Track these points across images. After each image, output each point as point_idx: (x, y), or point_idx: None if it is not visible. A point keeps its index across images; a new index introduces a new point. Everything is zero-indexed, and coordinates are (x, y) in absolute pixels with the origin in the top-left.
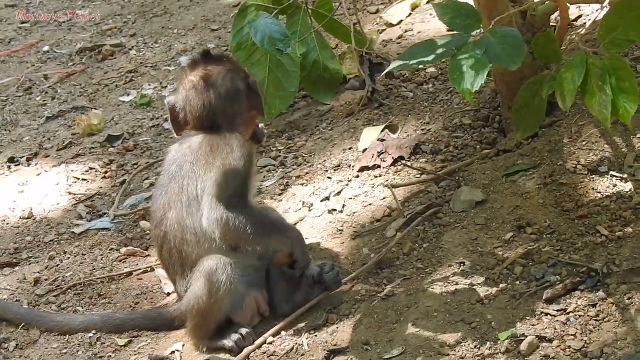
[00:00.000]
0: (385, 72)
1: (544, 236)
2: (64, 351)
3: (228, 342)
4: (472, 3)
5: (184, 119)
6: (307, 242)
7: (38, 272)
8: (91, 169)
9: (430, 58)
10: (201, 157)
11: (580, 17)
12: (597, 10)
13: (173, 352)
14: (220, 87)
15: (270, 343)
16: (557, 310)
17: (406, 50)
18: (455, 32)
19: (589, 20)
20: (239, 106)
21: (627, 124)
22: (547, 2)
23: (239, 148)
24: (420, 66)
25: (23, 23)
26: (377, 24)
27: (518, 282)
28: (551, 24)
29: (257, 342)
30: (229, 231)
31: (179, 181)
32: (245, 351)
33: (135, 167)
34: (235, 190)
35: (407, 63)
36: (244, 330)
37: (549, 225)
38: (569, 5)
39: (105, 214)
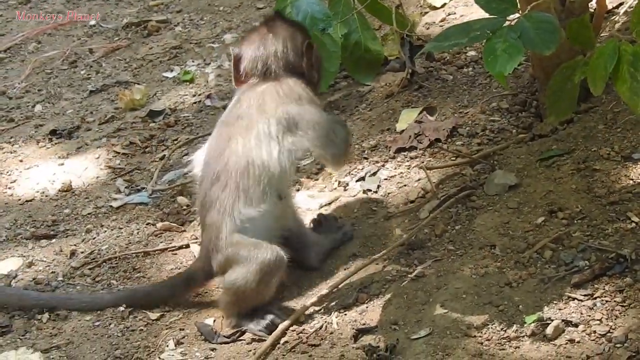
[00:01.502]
0: (419, 53)
1: (575, 221)
2: (97, 324)
3: (256, 327)
4: None
5: (246, 69)
6: (341, 221)
7: (74, 245)
8: (131, 143)
9: (464, 40)
10: (273, 97)
11: (622, 3)
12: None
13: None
14: (285, 41)
15: (301, 322)
16: (584, 295)
17: (441, 32)
18: (491, 16)
19: (624, 8)
20: (300, 61)
21: None
22: None
23: (306, 90)
24: (455, 48)
25: None
26: (420, 6)
27: (547, 267)
28: (591, 11)
29: (287, 323)
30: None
31: (248, 118)
32: (277, 331)
33: (175, 142)
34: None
35: (442, 44)
36: (271, 317)
37: (580, 210)
38: None
39: (144, 188)
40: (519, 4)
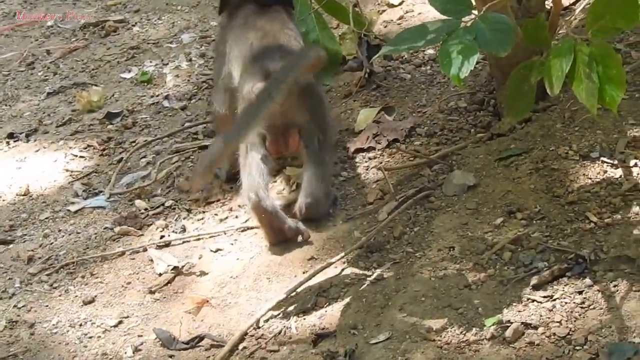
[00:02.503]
0: (375, 57)
1: (534, 222)
2: (54, 331)
3: None
4: None
5: None
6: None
7: (32, 250)
8: (89, 146)
9: (421, 43)
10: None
11: (578, 0)
12: None
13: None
14: None
15: (260, 327)
16: (544, 297)
17: (397, 35)
18: (447, 18)
19: (580, 5)
20: None
21: (613, 113)
22: None
23: None
24: (411, 50)
25: None
26: (377, 4)
27: (506, 268)
28: (547, 7)
29: (247, 326)
30: None
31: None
32: (235, 337)
33: (133, 144)
34: None
35: (397, 48)
36: None
37: (539, 210)
38: None
39: (101, 192)
40: (475, 4)
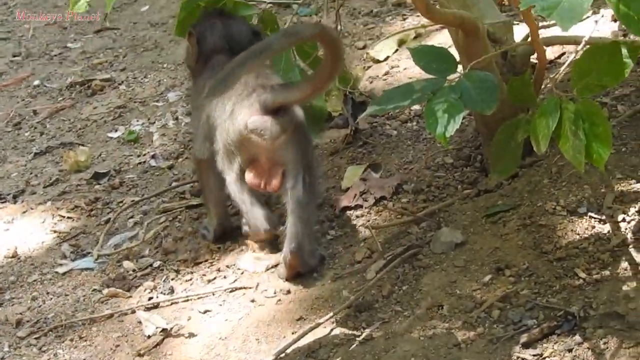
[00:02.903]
0: (361, 116)
1: (522, 278)
2: None
3: None
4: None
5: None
6: (287, 284)
7: (20, 314)
8: (76, 206)
9: (406, 102)
10: None
11: (563, 54)
12: (574, 51)
13: None
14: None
15: None
16: (533, 355)
17: (382, 94)
18: (432, 77)
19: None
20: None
21: (600, 169)
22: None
23: None
24: (397, 110)
25: (14, 56)
26: (363, 59)
27: (495, 326)
28: (533, 61)
29: None
30: None
31: None
32: None
33: (121, 205)
34: None
35: (384, 107)
36: None
37: (527, 267)
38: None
39: (89, 253)
40: (460, 61)
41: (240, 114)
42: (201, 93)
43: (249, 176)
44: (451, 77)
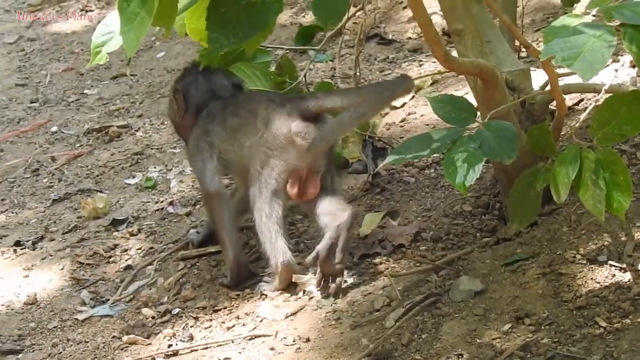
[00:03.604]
0: (381, 165)
1: (543, 327)
2: None
3: None
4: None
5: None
6: (307, 331)
7: None
8: (95, 253)
9: (426, 152)
10: None
11: (581, 100)
12: (593, 98)
13: None
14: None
15: None
16: None
17: (401, 144)
18: (451, 126)
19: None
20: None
21: (620, 218)
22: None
23: None
24: (416, 159)
25: (32, 102)
26: None
27: None
28: (551, 108)
29: None
30: None
31: None
32: None
33: (139, 252)
34: None
35: (403, 157)
36: None
37: (548, 316)
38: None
39: (108, 299)
40: (479, 109)
41: (279, 122)
42: (202, 134)
43: (292, 186)
44: (470, 125)
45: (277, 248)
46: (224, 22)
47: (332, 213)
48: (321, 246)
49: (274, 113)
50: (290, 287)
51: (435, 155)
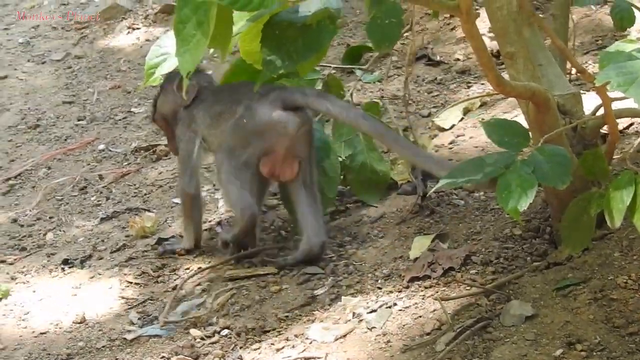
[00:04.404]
0: (433, 189)
1: (594, 353)
2: None
3: None
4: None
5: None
6: (357, 354)
7: None
8: (144, 272)
9: (478, 177)
10: None
11: (631, 124)
12: None
13: None
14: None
15: None
16: None
17: (454, 168)
18: (503, 150)
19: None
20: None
21: None
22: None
23: None
24: (469, 184)
25: (79, 120)
26: (428, 127)
27: None
28: (602, 131)
29: None
30: None
31: None
32: None
33: (187, 271)
34: None
35: (455, 181)
36: None
37: (599, 341)
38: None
39: (157, 319)
40: (530, 132)
41: (262, 110)
42: (190, 121)
43: (265, 165)
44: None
45: (243, 200)
46: (278, 45)
47: (308, 232)
48: (290, 258)
49: (257, 101)
50: (339, 310)
51: None
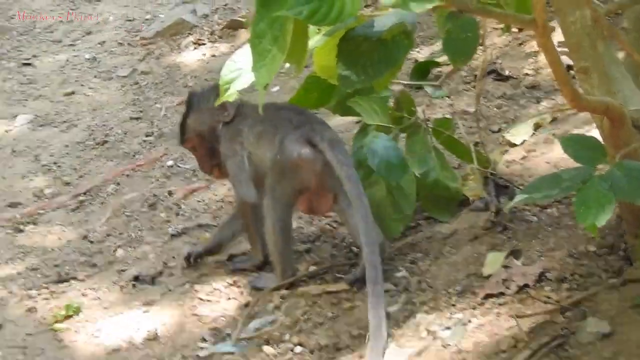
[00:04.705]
0: (509, 205)
1: None
2: None
3: None
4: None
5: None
6: None
7: None
8: (215, 289)
9: (555, 192)
10: None
11: None
12: None
13: None
14: None
15: None
16: None
17: (530, 183)
18: (580, 165)
19: None
20: None
21: None
22: None
23: None
24: (546, 200)
25: (147, 136)
26: (499, 143)
27: None
28: None
29: None
30: None
31: None
32: None
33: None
34: None
35: (532, 196)
36: None
37: None
38: None
39: (229, 335)
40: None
41: (291, 146)
42: (235, 135)
43: (302, 203)
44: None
45: (285, 261)
46: (354, 60)
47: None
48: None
49: (288, 135)
50: (413, 327)
51: None
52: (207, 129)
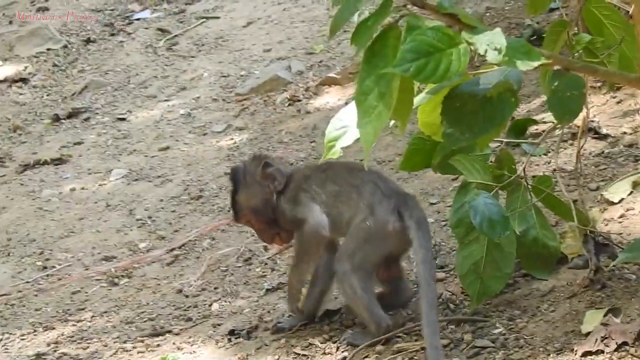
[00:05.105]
0: (613, 263)
1: None
2: None
3: None
4: None
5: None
6: None
7: None
8: (311, 344)
9: None
10: None
11: None
12: None
13: None
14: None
15: None
16: None
17: (634, 242)
18: None
19: None
20: None
21: None
22: None
23: None
24: None
25: None
26: (597, 201)
27: None
28: None
29: None
30: None
31: None
32: None
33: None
34: None
35: (636, 255)
36: None
37: None
38: None
39: None
40: None
41: (384, 215)
42: (300, 192)
43: (383, 274)
44: None
45: (375, 317)
46: (459, 117)
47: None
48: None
49: (380, 203)
50: None
51: None
52: (260, 201)
